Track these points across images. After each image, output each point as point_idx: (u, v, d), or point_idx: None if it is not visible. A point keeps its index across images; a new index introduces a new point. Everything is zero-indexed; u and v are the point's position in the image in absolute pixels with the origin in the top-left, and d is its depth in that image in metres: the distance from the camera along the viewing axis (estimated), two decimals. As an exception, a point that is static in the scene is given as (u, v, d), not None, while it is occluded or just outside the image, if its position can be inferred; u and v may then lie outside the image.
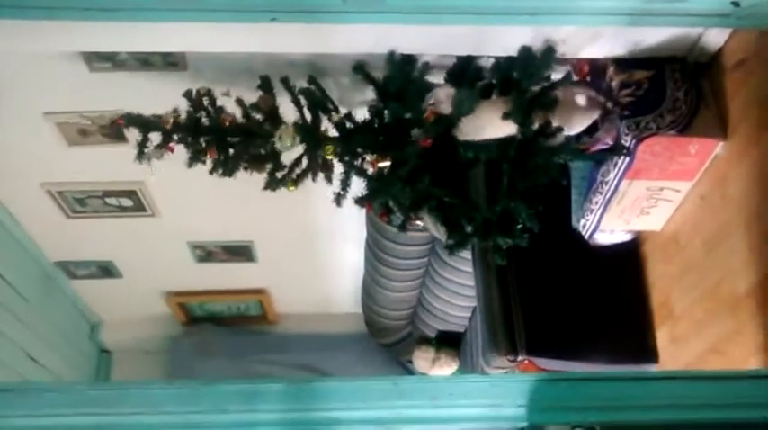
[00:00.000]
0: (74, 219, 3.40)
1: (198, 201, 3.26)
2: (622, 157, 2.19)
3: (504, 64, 2.16)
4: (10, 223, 3.39)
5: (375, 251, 3.46)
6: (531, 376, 1.47)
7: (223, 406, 1.38)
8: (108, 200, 3.30)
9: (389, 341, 4.07)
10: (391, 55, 2.15)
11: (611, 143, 2.18)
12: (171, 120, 2.19)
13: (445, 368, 3.67)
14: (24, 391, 1.49)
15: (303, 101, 2.21)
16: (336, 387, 1.46)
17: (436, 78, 2.23)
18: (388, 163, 2.14)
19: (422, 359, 3.72)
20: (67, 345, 4.12)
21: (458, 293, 3.33)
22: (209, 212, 3.41)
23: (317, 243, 3.80)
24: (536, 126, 2.08)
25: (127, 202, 3.32)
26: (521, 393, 1.44)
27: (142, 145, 2.22)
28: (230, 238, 3.72)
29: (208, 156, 2.22)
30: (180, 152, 2.27)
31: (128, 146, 2.71)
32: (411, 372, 3.94)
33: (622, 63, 2.22)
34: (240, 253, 3.82)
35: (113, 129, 2.78)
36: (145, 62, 2.52)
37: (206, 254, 3.81)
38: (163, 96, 2.56)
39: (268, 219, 3.48)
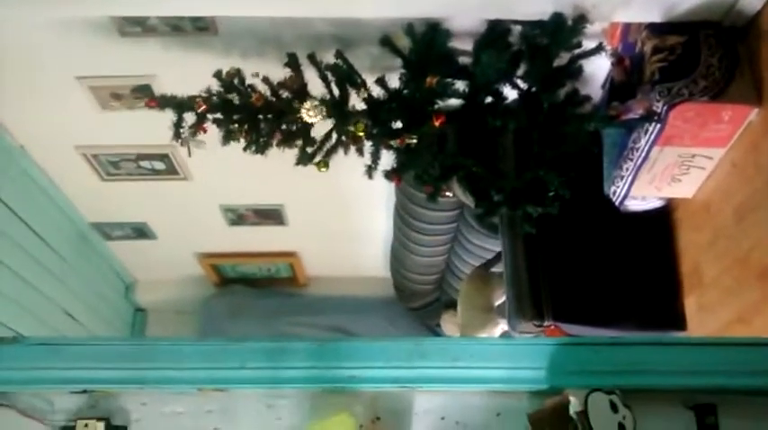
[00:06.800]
0: (108, 181, 3.47)
1: (229, 165, 3.28)
2: (653, 124, 2.16)
3: (531, 31, 2.14)
4: (47, 185, 3.47)
5: (404, 216, 3.47)
6: (551, 340, 1.49)
7: (246, 362, 1.42)
8: (141, 163, 3.35)
9: (417, 305, 4.10)
10: (410, 26, 2.15)
11: (642, 113, 2.15)
12: (203, 102, 2.21)
13: (472, 333, 3.69)
14: (59, 345, 1.55)
15: (330, 76, 2.21)
16: (359, 346, 1.49)
17: (463, 45, 2.23)
18: (414, 139, 2.15)
19: (450, 323, 3.75)
20: (103, 304, 4.23)
21: (485, 259, 3.33)
22: (241, 176, 3.44)
23: (347, 207, 3.82)
24: (563, 94, 2.07)
25: (160, 166, 3.37)
26: (541, 356, 1.45)
27: (178, 125, 2.25)
28: (261, 202, 3.76)
29: (240, 136, 2.25)
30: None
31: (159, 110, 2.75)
32: (439, 336, 3.97)
33: (655, 28, 2.18)
34: (271, 216, 3.87)
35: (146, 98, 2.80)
36: (175, 27, 2.54)
37: (237, 217, 3.86)
38: (194, 61, 2.61)
39: (298, 183, 3.49)
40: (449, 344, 1.53)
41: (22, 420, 1.51)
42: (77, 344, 1.55)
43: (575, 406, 1.34)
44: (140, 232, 3.98)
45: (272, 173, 3.37)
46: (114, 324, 4.35)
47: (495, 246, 3.16)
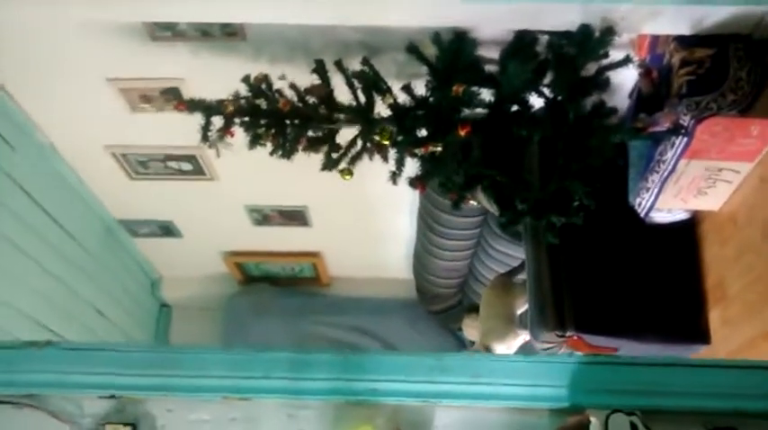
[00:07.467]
0: (136, 180, 3.53)
1: (255, 167, 3.31)
2: (681, 137, 2.14)
3: (559, 41, 2.13)
4: (76, 182, 3.53)
5: (427, 221, 3.48)
6: (573, 358, 1.49)
7: (270, 372, 1.45)
8: (169, 163, 3.40)
9: (439, 308, 4.11)
10: (437, 35, 2.15)
11: (669, 126, 2.14)
12: (231, 106, 2.23)
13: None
14: (89, 351, 1.59)
15: (357, 83, 2.22)
16: (381, 360, 1.50)
17: (490, 54, 2.23)
18: (439, 148, 2.16)
19: (471, 328, 3.75)
20: (130, 300, 4.29)
21: (509, 265, 3.33)
22: (266, 178, 3.47)
23: (371, 209, 3.84)
24: (589, 105, 2.06)
25: (187, 166, 3.41)
26: (563, 374, 1.46)
27: (205, 129, 2.28)
28: (286, 203, 3.80)
29: (267, 140, 2.27)
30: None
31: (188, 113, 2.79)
32: (461, 340, 3.97)
33: (684, 40, 2.16)
34: (295, 217, 3.90)
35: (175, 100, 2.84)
36: (204, 32, 2.57)
37: (262, 217, 3.90)
38: (222, 65, 2.64)
39: (323, 185, 3.47)
40: (470, 360, 1.54)
41: (52, 422, 1.55)
42: (107, 350, 1.58)
43: (595, 426, 1.34)
44: (167, 230, 4.04)
45: (296, 175, 3.38)
46: (140, 319, 4.41)
47: (518, 252, 3.16)
